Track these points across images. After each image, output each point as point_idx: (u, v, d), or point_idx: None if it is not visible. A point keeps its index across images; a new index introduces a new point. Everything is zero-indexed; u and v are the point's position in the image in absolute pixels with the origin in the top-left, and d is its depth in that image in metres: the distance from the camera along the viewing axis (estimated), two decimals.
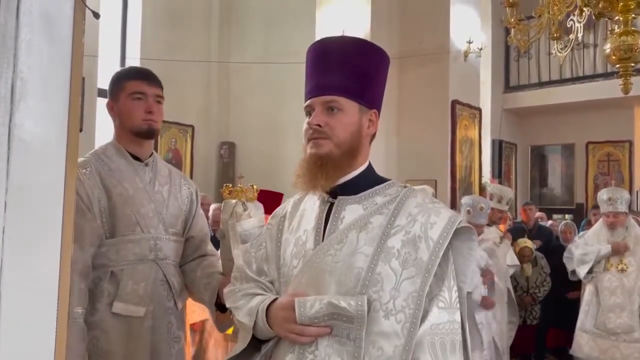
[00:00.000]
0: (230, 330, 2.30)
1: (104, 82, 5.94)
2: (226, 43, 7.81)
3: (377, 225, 1.24)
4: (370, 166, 1.36)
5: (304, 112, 1.33)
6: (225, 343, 3.33)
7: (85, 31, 0.96)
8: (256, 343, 1.32)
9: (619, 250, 4.24)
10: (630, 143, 9.00)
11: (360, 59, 1.30)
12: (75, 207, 0.97)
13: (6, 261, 0.83)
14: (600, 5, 3.18)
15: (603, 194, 4.37)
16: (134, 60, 6.61)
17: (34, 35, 0.87)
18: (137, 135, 1.89)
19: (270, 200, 1.94)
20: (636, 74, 3.55)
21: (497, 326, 4.13)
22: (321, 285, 1.23)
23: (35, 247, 0.87)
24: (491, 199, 4.67)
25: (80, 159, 1.84)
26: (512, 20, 3.46)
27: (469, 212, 4.12)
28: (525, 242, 5.26)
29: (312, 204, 1.36)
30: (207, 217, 4.35)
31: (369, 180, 1.33)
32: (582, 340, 4.22)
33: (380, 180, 1.34)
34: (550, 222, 7.37)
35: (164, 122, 2.67)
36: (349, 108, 1.29)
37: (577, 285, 4.95)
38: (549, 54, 8.62)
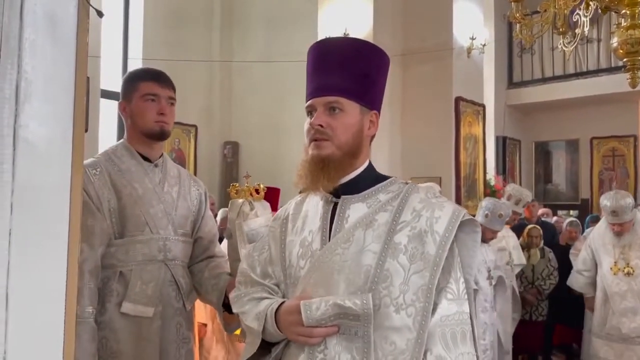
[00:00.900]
0: (238, 331, 2.30)
1: (106, 83, 5.95)
2: (228, 43, 7.81)
3: (383, 222, 1.25)
4: (370, 165, 1.37)
5: (305, 112, 1.33)
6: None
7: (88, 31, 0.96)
8: (265, 346, 1.33)
9: (591, 309, 4.36)
10: (635, 138, 8.95)
11: (361, 60, 1.31)
12: (81, 208, 0.96)
13: (13, 262, 0.83)
14: None
15: (606, 203, 4.08)
16: (136, 60, 6.63)
17: (38, 35, 0.86)
18: (149, 137, 1.89)
19: (267, 196, 1.93)
20: None
21: (502, 326, 4.10)
22: (330, 284, 1.23)
23: (42, 248, 0.87)
24: (509, 199, 4.57)
25: (90, 160, 1.85)
26: (518, 15, 3.43)
27: (486, 215, 3.86)
28: (534, 225, 5.21)
29: (315, 205, 1.37)
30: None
31: (371, 178, 1.34)
32: (597, 345, 4.19)
33: (382, 177, 1.35)
34: (555, 218, 7.35)
35: None
36: (351, 109, 1.29)
37: None
38: (553, 49, 8.59)
